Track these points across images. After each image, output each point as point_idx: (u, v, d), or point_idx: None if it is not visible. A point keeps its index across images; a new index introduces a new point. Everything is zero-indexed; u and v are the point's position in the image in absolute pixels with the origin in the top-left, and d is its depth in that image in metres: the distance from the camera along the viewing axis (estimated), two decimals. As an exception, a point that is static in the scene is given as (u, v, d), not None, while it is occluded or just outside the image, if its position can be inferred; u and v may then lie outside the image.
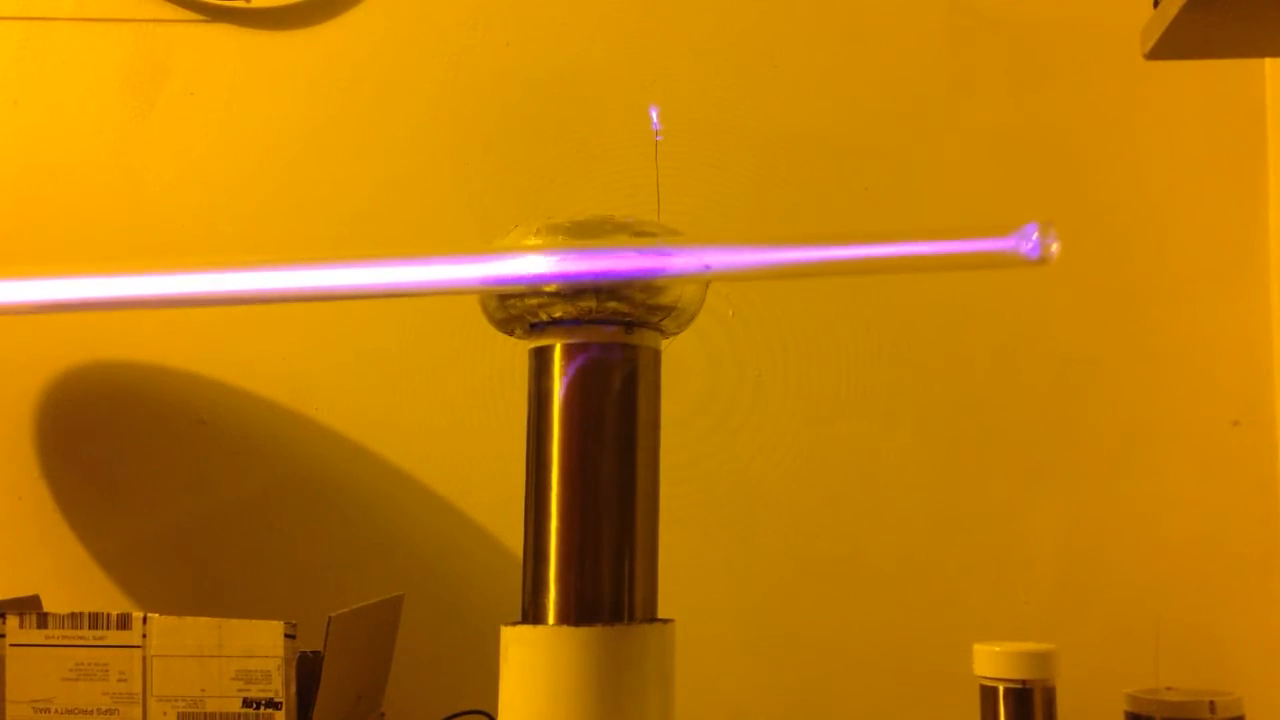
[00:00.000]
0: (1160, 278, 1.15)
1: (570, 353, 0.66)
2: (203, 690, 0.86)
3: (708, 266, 0.60)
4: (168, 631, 0.86)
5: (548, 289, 0.64)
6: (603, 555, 0.65)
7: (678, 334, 0.70)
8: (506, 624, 0.66)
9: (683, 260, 0.60)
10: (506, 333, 0.70)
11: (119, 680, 0.86)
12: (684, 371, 1.13)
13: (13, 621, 0.88)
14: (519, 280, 0.63)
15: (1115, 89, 1.16)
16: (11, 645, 0.88)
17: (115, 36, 1.23)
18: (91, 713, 0.87)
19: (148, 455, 1.19)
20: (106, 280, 0.60)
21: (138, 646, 0.87)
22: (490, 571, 1.15)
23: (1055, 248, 0.53)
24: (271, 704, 0.85)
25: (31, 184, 1.22)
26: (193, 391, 1.19)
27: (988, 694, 0.80)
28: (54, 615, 0.88)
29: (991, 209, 1.17)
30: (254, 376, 1.19)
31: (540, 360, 0.68)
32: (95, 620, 0.87)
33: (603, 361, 0.66)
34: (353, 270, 0.61)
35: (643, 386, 0.67)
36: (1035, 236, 0.54)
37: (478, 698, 1.06)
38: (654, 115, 0.74)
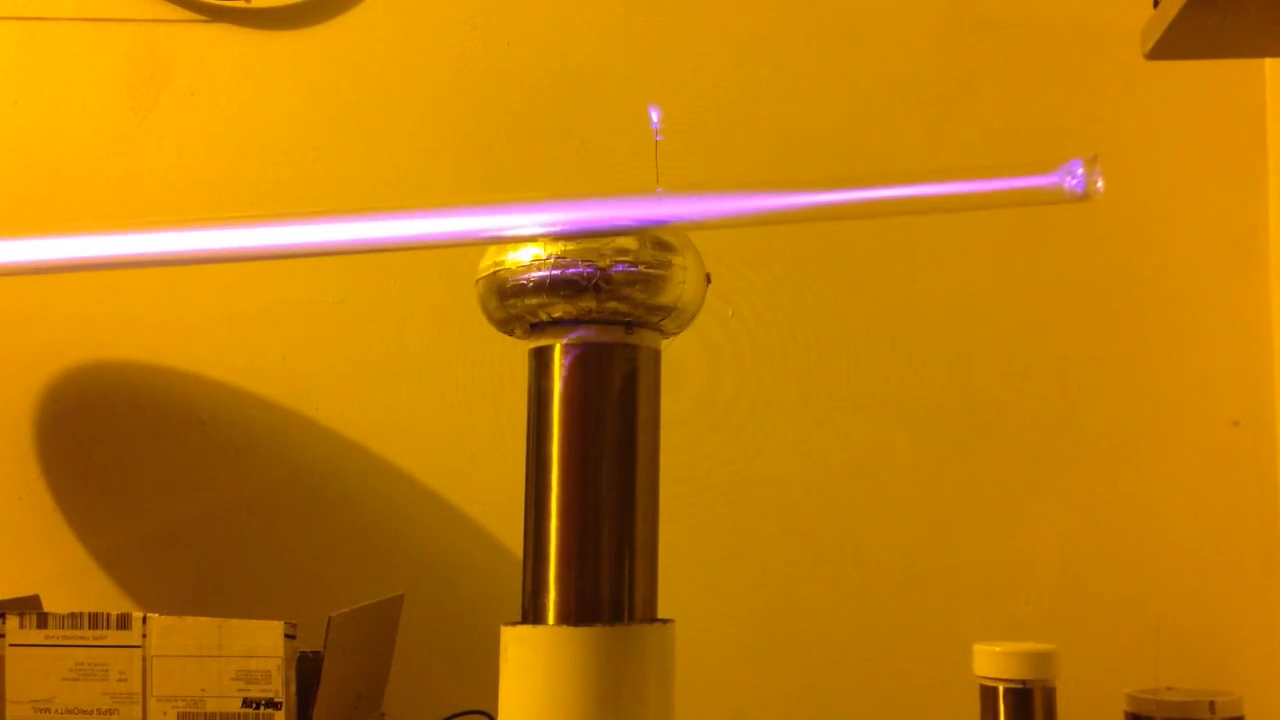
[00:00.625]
0: (1160, 278, 1.15)
1: (570, 353, 0.66)
2: (203, 690, 0.86)
3: (732, 212, 0.59)
4: (168, 631, 0.86)
5: (546, 288, 0.65)
6: (603, 555, 0.65)
7: (678, 334, 0.70)
8: (506, 624, 0.66)
9: (704, 206, 0.59)
10: (506, 333, 0.70)
11: (119, 680, 0.87)
12: (684, 371, 1.13)
13: (13, 621, 0.88)
14: (502, 232, 0.62)
15: (1115, 89, 1.16)
16: (11, 645, 0.88)
17: (115, 36, 1.23)
18: (91, 713, 0.87)
19: (148, 455, 1.19)
20: (112, 238, 0.60)
21: (138, 646, 0.87)
22: (490, 571, 1.15)
23: (1100, 184, 0.52)
24: (271, 704, 0.85)
25: (31, 184, 1.22)
26: (193, 391, 1.19)
27: (988, 694, 0.80)
28: (54, 615, 0.88)
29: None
30: (254, 376, 1.19)
31: (540, 360, 0.68)
32: (95, 620, 0.87)
33: (603, 361, 0.66)
34: (344, 225, 0.60)
35: (643, 386, 0.67)
36: (1080, 173, 0.52)
37: (478, 698, 1.06)
38: (654, 116, 0.74)
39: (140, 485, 1.19)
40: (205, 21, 1.22)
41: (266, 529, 1.18)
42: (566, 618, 0.64)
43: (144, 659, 0.87)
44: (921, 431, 1.15)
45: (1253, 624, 1.11)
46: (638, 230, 0.65)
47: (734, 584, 1.15)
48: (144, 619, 0.87)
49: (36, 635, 0.88)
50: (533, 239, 0.65)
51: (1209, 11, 0.75)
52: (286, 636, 0.86)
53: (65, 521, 1.18)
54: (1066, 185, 0.52)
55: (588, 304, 0.64)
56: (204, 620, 0.86)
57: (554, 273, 0.64)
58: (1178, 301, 1.15)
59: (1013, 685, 0.79)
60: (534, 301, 0.65)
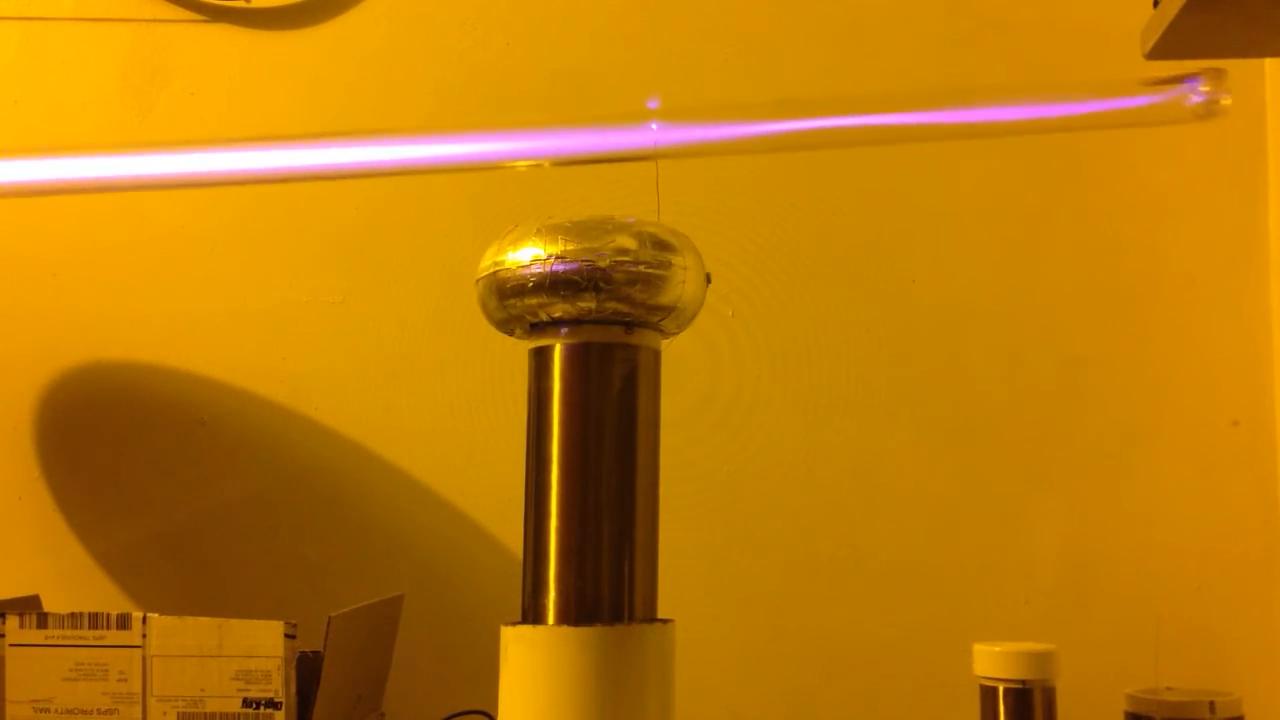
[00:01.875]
0: (1160, 278, 1.15)
1: (570, 353, 0.66)
2: (203, 690, 0.86)
3: (798, 129, 0.55)
4: (168, 631, 0.86)
5: (546, 288, 0.64)
6: (603, 555, 0.65)
7: (678, 334, 0.70)
8: (506, 624, 0.66)
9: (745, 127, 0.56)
10: (506, 333, 0.70)
11: (119, 680, 0.87)
12: (684, 371, 1.13)
13: (13, 621, 0.88)
14: (508, 156, 0.62)
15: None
16: (11, 645, 0.88)
17: (115, 36, 1.23)
18: (91, 713, 0.87)
19: (148, 455, 1.19)
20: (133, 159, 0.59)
21: (138, 646, 0.87)
22: (490, 571, 1.15)
23: (1227, 100, 0.50)
24: (271, 704, 0.85)
25: (31, 184, 1.22)
26: (193, 391, 1.19)
27: (988, 694, 0.80)
28: (54, 615, 0.88)
29: (992, 207, 1.17)
30: (254, 376, 1.19)
31: (540, 360, 0.68)
32: (95, 620, 0.87)
33: (603, 361, 0.66)
34: (346, 149, 0.60)
35: (643, 386, 0.67)
36: (1204, 89, 0.50)
37: (478, 698, 1.06)
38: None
39: (140, 485, 1.19)
40: (205, 21, 1.22)
41: (266, 529, 1.18)
42: (566, 618, 0.64)
43: (144, 659, 0.87)
44: (921, 431, 1.15)
45: (1253, 624, 1.11)
46: (638, 230, 0.65)
47: (734, 584, 1.15)
48: (144, 619, 0.87)
49: (36, 635, 0.88)
50: (532, 239, 0.65)
51: (1209, 11, 0.75)
52: (286, 636, 0.86)
53: (65, 521, 1.18)
54: (1189, 101, 0.50)
55: (588, 304, 0.64)
56: (204, 620, 0.86)
57: (554, 272, 0.64)
58: (1178, 301, 1.15)
59: (1013, 685, 0.79)
60: (534, 301, 0.65)
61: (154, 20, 1.22)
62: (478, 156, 0.61)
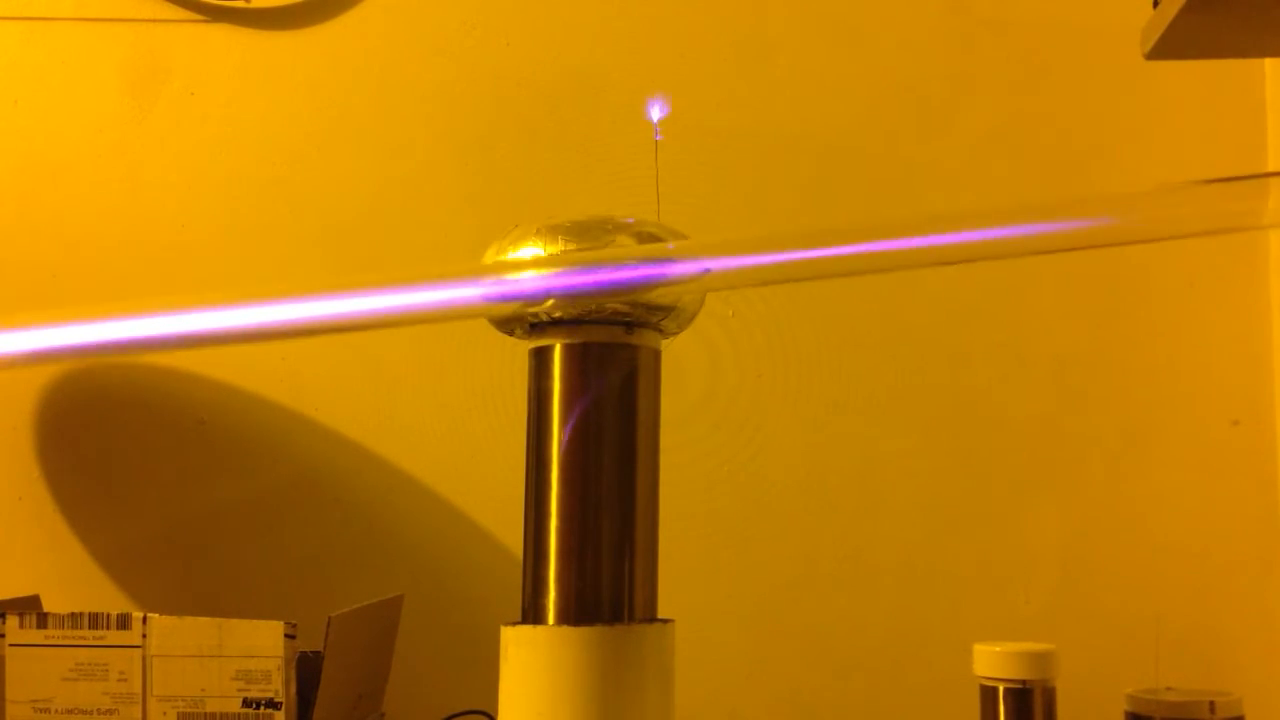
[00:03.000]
0: (1160, 278, 1.15)
1: (570, 353, 0.66)
2: (203, 690, 0.86)
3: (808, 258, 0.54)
4: (168, 631, 0.86)
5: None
6: (603, 555, 0.65)
7: (678, 334, 0.70)
8: (506, 624, 0.66)
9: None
10: (506, 333, 0.70)
11: (119, 680, 0.87)
12: (684, 371, 1.13)
13: (13, 621, 0.88)
14: (518, 296, 0.62)
15: (1115, 89, 1.16)
16: (11, 645, 0.88)
17: (115, 36, 1.23)
18: (91, 713, 0.87)
19: (148, 455, 1.19)
20: (106, 325, 0.58)
21: (138, 646, 0.87)
22: (490, 571, 1.15)
23: None
24: (271, 704, 0.85)
25: (31, 184, 1.22)
26: (193, 391, 1.19)
27: (988, 694, 0.80)
28: (54, 615, 0.88)
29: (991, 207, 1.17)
30: (254, 376, 1.19)
31: (540, 360, 0.68)
32: (95, 620, 0.87)
33: (603, 361, 0.66)
34: (343, 300, 0.60)
35: (643, 386, 0.67)
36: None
37: (478, 698, 1.06)
38: (654, 115, 0.74)
39: (140, 485, 1.19)
40: (205, 21, 1.22)
41: (266, 529, 1.18)
42: (566, 618, 0.64)
43: (144, 659, 0.87)
44: (921, 431, 1.15)
45: (1253, 624, 1.11)
46: (637, 230, 0.65)
47: (734, 584, 1.15)
48: (144, 619, 0.87)
49: (36, 635, 0.88)
50: (532, 251, 0.65)
51: (1209, 11, 0.75)
52: (286, 636, 0.86)
53: (65, 521, 1.18)
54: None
55: (588, 304, 0.64)
56: (204, 620, 0.86)
57: (554, 273, 0.64)
58: (1178, 301, 1.15)
59: (1013, 685, 0.79)
60: (534, 301, 0.65)
61: (154, 20, 1.22)
62: (479, 299, 0.61)
